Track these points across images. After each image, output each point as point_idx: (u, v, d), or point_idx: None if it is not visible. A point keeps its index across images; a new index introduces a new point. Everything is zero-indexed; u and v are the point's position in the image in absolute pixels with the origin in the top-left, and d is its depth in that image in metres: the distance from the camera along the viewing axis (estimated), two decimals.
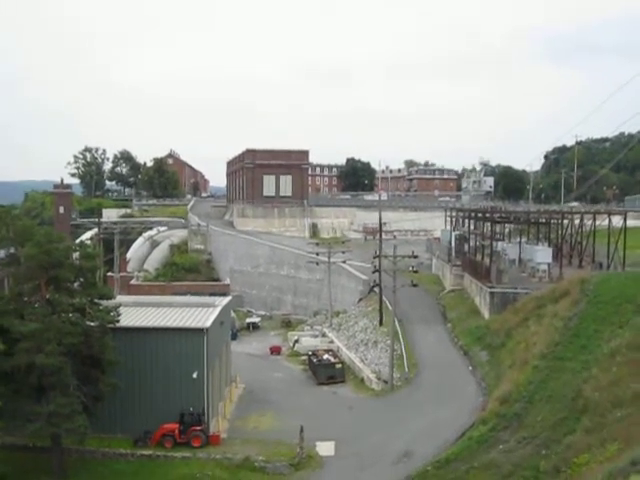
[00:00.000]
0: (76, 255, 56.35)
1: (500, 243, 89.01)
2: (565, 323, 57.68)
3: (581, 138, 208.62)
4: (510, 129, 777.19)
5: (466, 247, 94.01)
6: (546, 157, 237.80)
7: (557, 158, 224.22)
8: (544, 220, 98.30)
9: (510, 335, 64.28)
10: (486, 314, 73.57)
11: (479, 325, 72.11)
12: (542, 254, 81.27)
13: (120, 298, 64.93)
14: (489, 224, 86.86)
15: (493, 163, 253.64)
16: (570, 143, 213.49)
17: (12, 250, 55.54)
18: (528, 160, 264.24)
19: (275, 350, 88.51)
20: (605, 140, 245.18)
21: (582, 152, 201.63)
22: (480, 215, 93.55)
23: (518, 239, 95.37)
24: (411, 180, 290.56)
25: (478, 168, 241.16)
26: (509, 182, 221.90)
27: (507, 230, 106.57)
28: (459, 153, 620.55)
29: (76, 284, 53.11)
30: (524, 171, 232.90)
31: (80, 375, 49.28)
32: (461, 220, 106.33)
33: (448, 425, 53.07)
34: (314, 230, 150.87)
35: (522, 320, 64.71)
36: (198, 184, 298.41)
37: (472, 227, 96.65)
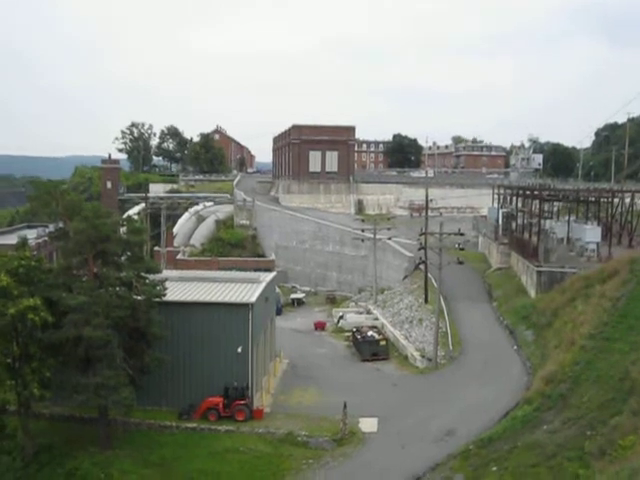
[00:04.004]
0: (123, 230, 56.93)
1: (548, 221, 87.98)
2: (613, 303, 56.97)
3: (633, 115, 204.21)
4: (560, 106, 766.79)
5: (513, 225, 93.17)
6: (597, 134, 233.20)
7: (608, 135, 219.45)
8: (593, 198, 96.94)
9: (557, 315, 63.67)
10: (532, 293, 72.98)
11: (525, 304, 71.53)
12: (591, 233, 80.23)
13: (166, 273, 65.47)
14: (537, 202, 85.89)
15: (542, 140, 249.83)
16: (622, 120, 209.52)
17: (61, 224, 56.28)
18: (578, 137, 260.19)
19: (319, 326, 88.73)
20: None
21: (634, 129, 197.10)
22: (528, 193, 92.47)
23: (567, 217, 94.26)
24: (458, 157, 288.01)
25: (527, 145, 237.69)
26: (558, 159, 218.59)
27: (555, 208, 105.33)
28: (508, 130, 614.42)
29: (123, 258, 53.62)
30: (574, 148, 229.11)
31: (126, 348, 49.89)
32: (509, 197, 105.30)
33: (492, 404, 52.93)
34: (360, 206, 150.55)
35: (569, 300, 64.04)
36: (244, 160, 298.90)
37: (520, 205, 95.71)
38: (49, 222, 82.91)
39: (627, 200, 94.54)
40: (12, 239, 73.42)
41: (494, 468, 42.07)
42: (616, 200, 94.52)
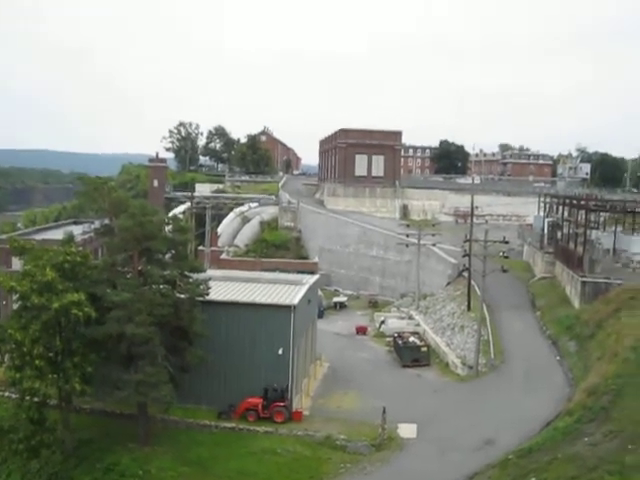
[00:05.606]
0: (169, 228, 57.41)
1: (594, 232, 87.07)
2: None
3: None
4: (610, 116, 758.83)
5: (559, 234, 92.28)
6: None
7: None
8: None
9: (601, 326, 62.87)
10: (576, 304, 72.17)
11: (569, 314, 70.77)
12: (637, 244, 79.34)
13: (210, 272, 65.87)
14: (584, 212, 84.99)
15: (590, 150, 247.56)
16: None
17: (107, 221, 56.93)
18: (627, 147, 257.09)
19: (361, 330, 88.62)
20: None
21: None
22: (575, 202, 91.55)
23: (613, 228, 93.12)
24: (505, 164, 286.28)
25: (574, 154, 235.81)
26: (606, 169, 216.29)
27: (602, 219, 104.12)
28: (555, 139, 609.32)
29: (168, 256, 54.11)
30: (622, 159, 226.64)
31: (168, 346, 50.29)
32: (555, 207, 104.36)
33: (532, 414, 52.40)
34: (405, 212, 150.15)
35: (614, 311, 63.23)
36: (290, 161, 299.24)
37: (566, 214, 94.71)
38: (95, 218, 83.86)
39: None
40: (58, 234, 74.27)
41: (533, 479, 41.68)
42: None
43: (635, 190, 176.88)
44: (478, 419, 53.87)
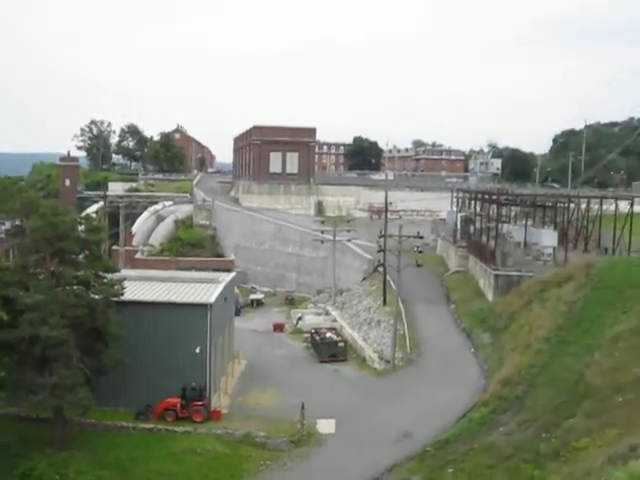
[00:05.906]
0: (81, 228, 56.42)
1: (506, 225, 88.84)
2: (569, 307, 57.66)
3: (590, 122, 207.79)
4: (519, 112, 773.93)
5: (471, 229, 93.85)
6: (554, 140, 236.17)
7: (565, 142, 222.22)
8: (550, 204, 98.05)
9: (513, 318, 64.27)
10: (490, 296, 73.57)
11: (482, 307, 72.11)
12: (547, 237, 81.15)
13: (125, 272, 64.99)
14: (495, 206, 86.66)
15: (501, 145, 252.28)
16: (579, 127, 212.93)
17: (18, 222, 55.64)
18: (537, 143, 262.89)
19: (278, 327, 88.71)
20: (615, 124, 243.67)
21: (591, 136, 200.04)
22: (486, 197, 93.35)
23: (524, 222, 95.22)
24: (418, 160, 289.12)
25: (486, 150, 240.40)
26: (517, 164, 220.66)
27: (513, 213, 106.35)
28: (467, 134, 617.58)
29: (81, 257, 53.17)
30: (532, 154, 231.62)
31: (83, 348, 49.35)
32: (467, 201, 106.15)
33: (449, 406, 53.22)
34: (320, 208, 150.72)
35: (526, 303, 64.70)
36: (205, 159, 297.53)
37: (478, 209, 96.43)
38: (6, 219, 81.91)
39: (583, 206, 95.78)
40: None
41: (450, 470, 42.33)
42: (572, 205, 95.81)
43: (555, 185, 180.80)
44: (396, 412, 54.45)
